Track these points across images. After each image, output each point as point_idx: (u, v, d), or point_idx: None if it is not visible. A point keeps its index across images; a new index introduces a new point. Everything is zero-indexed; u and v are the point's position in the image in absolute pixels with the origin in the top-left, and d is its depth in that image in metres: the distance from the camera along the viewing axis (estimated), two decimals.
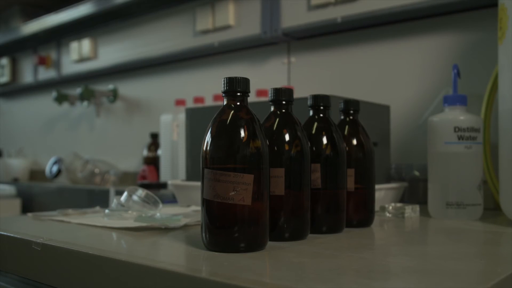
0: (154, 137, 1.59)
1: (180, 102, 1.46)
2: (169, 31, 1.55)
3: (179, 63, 1.60)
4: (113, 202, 0.86)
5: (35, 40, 1.99)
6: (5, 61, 2.14)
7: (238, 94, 0.56)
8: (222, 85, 0.56)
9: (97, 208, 0.97)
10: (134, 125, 1.75)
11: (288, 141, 0.61)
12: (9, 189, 1.96)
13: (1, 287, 0.80)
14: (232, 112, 0.55)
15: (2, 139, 2.38)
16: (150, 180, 1.50)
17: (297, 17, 1.24)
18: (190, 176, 1.04)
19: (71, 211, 0.91)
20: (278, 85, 1.20)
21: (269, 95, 0.64)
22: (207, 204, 0.54)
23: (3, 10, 2.11)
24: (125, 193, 0.85)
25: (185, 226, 0.73)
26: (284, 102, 0.63)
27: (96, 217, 0.85)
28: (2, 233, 0.65)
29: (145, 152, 1.60)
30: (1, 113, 2.40)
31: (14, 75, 2.14)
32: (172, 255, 0.57)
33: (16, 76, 2.14)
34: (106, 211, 0.83)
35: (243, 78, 0.56)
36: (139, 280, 0.48)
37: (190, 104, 1.44)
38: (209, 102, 1.40)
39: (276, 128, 0.62)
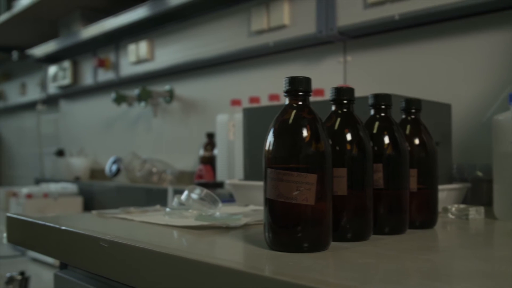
0: (210, 136, 1.61)
1: (235, 102, 1.47)
2: (224, 32, 1.57)
3: (234, 63, 1.61)
4: (174, 200, 0.87)
5: (95, 43, 2.05)
6: (67, 64, 2.22)
7: (300, 93, 0.56)
8: (284, 85, 0.56)
9: (158, 206, 0.99)
10: (190, 125, 1.78)
11: (350, 140, 0.60)
12: (71, 187, 2.03)
13: (68, 281, 0.83)
14: (294, 111, 0.55)
15: (64, 139, 2.46)
16: (207, 179, 1.52)
17: (353, 15, 1.22)
18: (248, 176, 1.05)
19: (133, 209, 0.93)
20: (334, 85, 1.19)
21: (330, 94, 0.63)
22: (270, 203, 0.55)
23: (65, 15, 2.19)
24: (186, 192, 0.86)
25: (245, 226, 0.73)
26: (345, 102, 0.62)
27: (157, 216, 0.86)
28: (71, 229, 0.68)
29: (201, 152, 1.62)
30: (63, 114, 2.49)
31: (75, 78, 2.21)
32: (234, 253, 0.57)
33: (77, 78, 2.21)
34: (167, 209, 0.85)
35: (304, 77, 0.56)
36: (203, 278, 0.49)
37: (245, 104, 1.44)
38: (264, 102, 1.40)
39: (337, 127, 0.61)
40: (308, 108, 0.55)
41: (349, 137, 0.60)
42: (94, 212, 0.90)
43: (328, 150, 0.54)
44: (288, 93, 0.56)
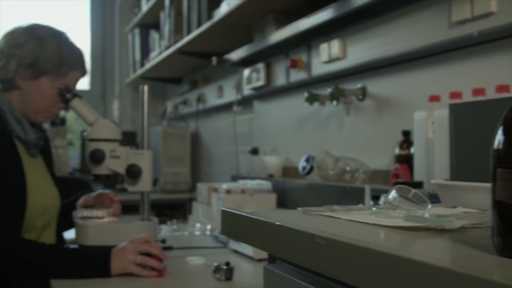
0: (406, 134, 1.56)
1: (434, 98, 1.40)
2: (420, 25, 1.51)
3: (432, 58, 1.54)
4: (381, 200, 0.86)
5: (287, 45, 2.12)
6: (260, 66, 2.32)
7: None
8: None
9: (361, 205, 0.98)
10: (384, 123, 1.74)
11: None
12: (266, 184, 2.12)
13: (276, 274, 0.86)
14: None
15: (258, 138, 2.59)
16: (404, 179, 1.48)
17: None
18: (454, 176, 0.99)
19: (337, 207, 0.93)
20: None
21: None
22: (500, 206, 0.50)
23: (259, 20, 2.29)
24: (393, 192, 0.84)
25: (461, 229, 0.69)
26: None
27: (362, 214, 0.86)
28: (286, 225, 0.70)
29: (396, 150, 1.58)
30: (256, 114, 2.62)
31: (268, 79, 2.31)
32: (457, 257, 0.54)
33: (270, 79, 2.31)
34: (374, 209, 0.84)
35: None
36: (425, 280, 0.47)
37: (445, 100, 1.37)
38: (467, 97, 1.32)
39: None
40: None
41: None
42: (299, 209, 0.92)
43: None
44: None
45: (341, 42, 1.81)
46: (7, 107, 1.57)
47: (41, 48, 1.57)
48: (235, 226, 0.86)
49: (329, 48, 1.85)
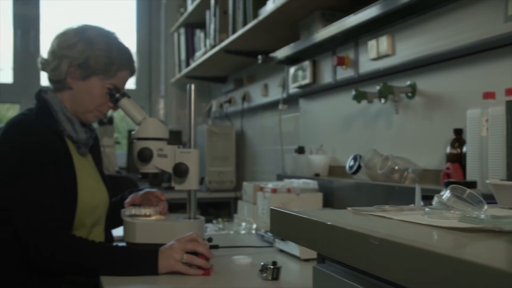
0: (458, 133, 1.51)
1: (489, 95, 1.35)
2: (473, 20, 1.45)
3: (486, 53, 1.48)
4: (434, 200, 0.83)
5: (334, 42, 2.09)
6: (306, 64, 2.30)
7: None
8: None
9: (412, 205, 0.96)
10: (434, 121, 1.70)
11: None
12: (312, 183, 2.10)
13: (326, 274, 0.84)
14: None
15: (304, 137, 2.57)
16: (455, 178, 1.43)
17: None
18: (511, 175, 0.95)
19: (388, 207, 0.91)
20: None
21: None
22: None
23: (305, 17, 2.27)
24: (447, 192, 0.82)
25: None
26: None
27: (415, 215, 0.83)
28: (338, 225, 0.69)
29: (448, 149, 1.53)
30: (302, 112, 2.60)
31: (314, 77, 2.28)
32: None
33: (316, 77, 2.28)
34: (427, 209, 0.82)
35: None
36: (487, 283, 0.45)
37: (500, 96, 1.32)
38: None
39: None
40: None
41: None
42: (349, 209, 0.91)
43: None
44: None
45: (390, 38, 1.77)
46: (59, 107, 1.61)
47: (91, 48, 1.60)
48: (284, 225, 0.85)
49: (378, 45, 1.81)
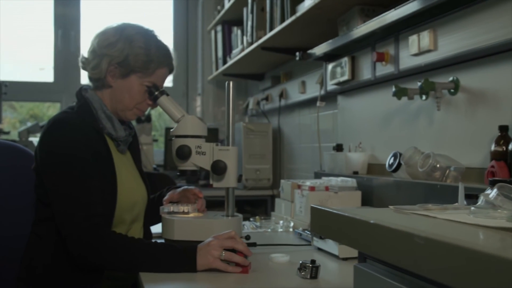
0: (504, 130, 1.47)
1: None
2: None
3: None
4: (480, 199, 0.80)
5: (373, 38, 2.06)
6: (345, 60, 2.27)
7: None
8: None
9: (456, 204, 0.93)
10: (478, 118, 1.65)
11: None
12: (351, 181, 2.07)
13: (367, 273, 0.82)
14: None
15: (342, 134, 2.54)
16: (500, 177, 1.39)
17: None
18: None
19: (431, 206, 0.89)
20: None
21: None
22: None
23: (344, 13, 2.24)
24: (494, 190, 0.79)
25: None
26: None
27: (460, 214, 0.81)
28: (381, 224, 0.67)
29: (492, 147, 1.48)
30: (340, 110, 2.57)
31: (353, 73, 2.25)
32: None
33: (355, 74, 2.25)
34: (472, 208, 0.79)
35: None
36: None
37: None
38: None
39: None
40: None
41: None
42: (391, 207, 0.89)
43: None
44: None
45: (432, 33, 1.73)
46: (99, 105, 1.63)
47: (130, 47, 1.61)
48: (325, 224, 0.84)
49: (419, 40, 1.77)
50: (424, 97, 1.78)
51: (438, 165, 1.68)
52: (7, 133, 3.98)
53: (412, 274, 0.70)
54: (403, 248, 0.63)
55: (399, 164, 1.87)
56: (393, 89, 1.83)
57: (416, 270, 0.62)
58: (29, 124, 4.08)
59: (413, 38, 1.81)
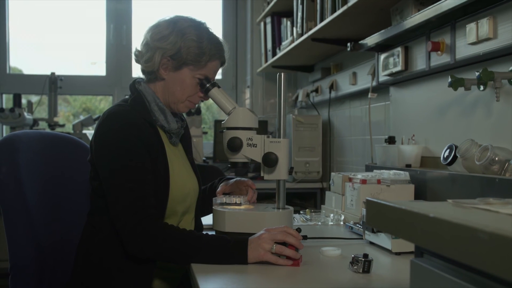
0: None
1: None
2: None
3: None
4: None
5: (428, 27, 2.00)
6: (398, 50, 2.22)
7: None
8: None
9: None
10: None
11: None
12: (403, 174, 2.03)
13: (425, 269, 0.80)
14: None
15: (394, 126, 2.48)
16: None
17: None
18: None
19: (493, 200, 0.85)
20: None
21: None
22: None
23: (397, 1, 2.19)
24: None
25: None
26: None
27: None
28: (441, 218, 0.64)
29: None
30: (393, 101, 2.51)
31: (406, 64, 2.20)
32: None
33: (408, 64, 2.19)
34: None
35: None
36: None
37: None
38: None
39: None
40: None
41: None
42: (449, 201, 0.86)
43: None
44: None
45: (491, 20, 1.66)
46: (152, 98, 1.65)
47: (182, 39, 1.62)
48: (380, 217, 0.82)
49: (477, 28, 1.71)
50: (482, 87, 1.72)
51: (496, 158, 1.61)
52: (62, 125, 4.11)
53: (472, 269, 0.68)
54: (464, 243, 0.61)
55: (455, 157, 1.81)
56: (449, 79, 1.77)
57: (479, 266, 0.60)
58: (82, 117, 4.20)
59: (470, 26, 1.74)
